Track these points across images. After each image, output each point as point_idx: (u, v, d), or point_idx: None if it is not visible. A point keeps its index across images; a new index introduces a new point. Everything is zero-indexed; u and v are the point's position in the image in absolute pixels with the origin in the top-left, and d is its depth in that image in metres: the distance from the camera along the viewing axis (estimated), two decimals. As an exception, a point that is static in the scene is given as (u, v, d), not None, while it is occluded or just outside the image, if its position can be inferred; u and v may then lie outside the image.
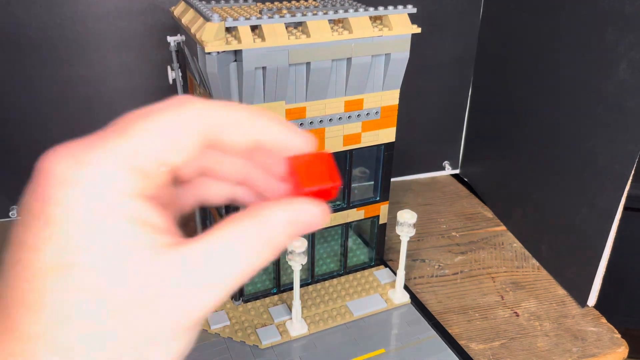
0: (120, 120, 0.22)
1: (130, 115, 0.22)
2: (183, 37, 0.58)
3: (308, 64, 0.53)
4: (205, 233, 0.21)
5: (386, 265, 0.71)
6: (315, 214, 0.22)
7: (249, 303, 0.64)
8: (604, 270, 0.64)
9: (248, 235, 0.21)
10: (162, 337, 0.20)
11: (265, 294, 0.65)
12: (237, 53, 0.51)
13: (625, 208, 0.61)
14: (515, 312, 0.66)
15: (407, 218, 0.60)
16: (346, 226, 0.65)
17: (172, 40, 0.58)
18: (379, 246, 0.69)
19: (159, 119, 0.21)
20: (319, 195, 0.23)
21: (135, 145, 0.20)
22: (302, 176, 0.23)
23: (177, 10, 0.60)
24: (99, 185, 0.19)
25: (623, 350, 0.61)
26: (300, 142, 0.23)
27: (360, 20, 0.53)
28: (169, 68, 0.61)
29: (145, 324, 0.19)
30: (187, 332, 0.20)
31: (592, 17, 0.63)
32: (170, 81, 0.62)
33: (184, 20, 0.55)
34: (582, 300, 0.67)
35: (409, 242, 0.73)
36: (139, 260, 0.19)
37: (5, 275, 0.20)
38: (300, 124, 0.56)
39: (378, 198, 0.66)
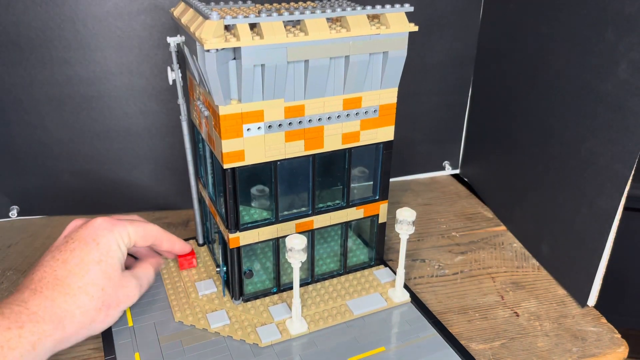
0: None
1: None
2: (183, 38, 0.58)
3: (306, 61, 0.53)
4: (135, 266, 0.63)
5: (386, 265, 0.70)
6: (159, 262, 0.68)
7: (248, 302, 0.64)
8: (604, 270, 0.64)
9: (146, 266, 0.64)
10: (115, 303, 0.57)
11: (265, 293, 0.65)
12: (235, 51, 0.51)
13: (625, 208, 0.61)
14: (516, 312, 0.66)
15: (406, 216, 0.60)
16: (345, 225, 0.66)
17: (172, 41, 0.59)
18: (378, 245, 0.69)
19: (142, 226, 0.61)
20: (186, 261, 0.69)
21: (128, 232, 0.59)
22: (180, 258, 0.69)
23: (177, 11, 0.60)
24: (115, 241, 0.58)
25: (623, 350, 0.61)
26: (176, 250, 0.67)
27: (357, 19, 0.53)
28: (168, 69, 0.62)
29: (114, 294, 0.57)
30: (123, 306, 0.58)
31: (592, 17, 0.63)
32: (170, 82, 0.62)
33: (184, 20, 0.56)
34: (582, 300, 0.67)
35: (409, 242, 0.73)
36: (115, 273, 0.57)
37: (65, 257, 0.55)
38: (299, 122, 0.57)
39: (377, 197, 0.66)
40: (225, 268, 0.63)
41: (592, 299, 0.66)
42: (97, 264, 0.55)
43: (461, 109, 0.95)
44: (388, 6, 0.55)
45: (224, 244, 0.62)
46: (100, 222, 0.57)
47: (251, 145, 0.55)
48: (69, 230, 0.59)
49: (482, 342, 0.61)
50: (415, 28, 0.56)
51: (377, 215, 0.67)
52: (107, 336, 0.59)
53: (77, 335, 0.54)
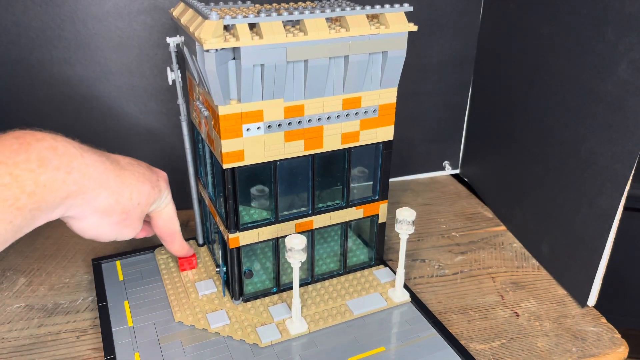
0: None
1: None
2: (182, 38, 0.58)
3: (306, 61, 0.53)
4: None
5: (386, 265, 0.70)
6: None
7: (248, 302, 0.64)
8: (604, 270, 0.64)
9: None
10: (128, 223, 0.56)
11: (265, 293, 0.65)
12: (235, 50, 0.51)
13: (625, 208, 0.61)
14: (515, 312, 0.66)
15: (406, 216, 0.60)
16: (345, 225, 0.65)
17: (171, 41, 0.59)
18: (378, 245, 0.69)
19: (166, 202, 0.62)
20: (187, 262, 0.69)
21: (168, 206, 0.63)
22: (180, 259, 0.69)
23: (177, 11, 0.60)
24: (162, 195, 0.60)
25: (623, 350, 0.61)
26: (181, 254, 0.68)
27: (357, 19, 0.53)
28: (168, 69, 0.62)
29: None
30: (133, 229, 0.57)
31: (592, 17, 0.63)
32: (170, 82, 0.62)
33: (183, 20, 0.56)
34: (582, 300, 0.67)
35: (409, 242, 0.73)
36: (147, 208, 0.58)
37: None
38: (299, 122, 0.57)
39: (377, 197, 0.66)
40: (225, 268, 0.63)
41: (592, 299, 0.66)
42: (151, 188, 0.57)
43: (461, 109, 0.95)
44: (387, 6, 0.55)
45: (224, 244, 0.62)
46: (166, 176, 0.62)
47: (251, 145, 0.55)
48: None
49: (482, 342, 0.61)
50: (415, 28, 0.56)
51: (377, 215, 0.67)
52: (107, 336, 0.59)
53: (91, 213, 0.51)
